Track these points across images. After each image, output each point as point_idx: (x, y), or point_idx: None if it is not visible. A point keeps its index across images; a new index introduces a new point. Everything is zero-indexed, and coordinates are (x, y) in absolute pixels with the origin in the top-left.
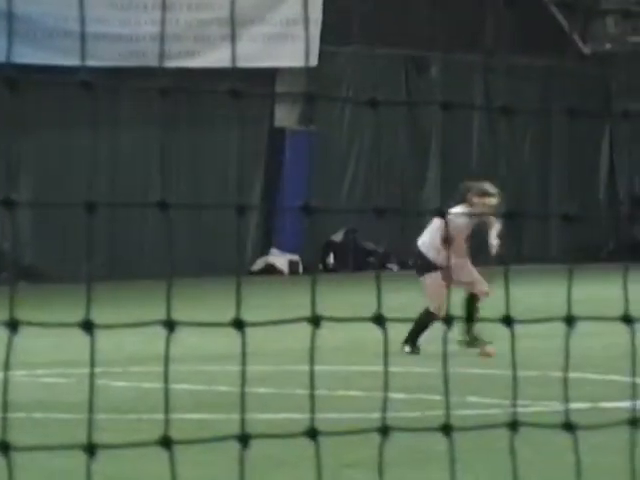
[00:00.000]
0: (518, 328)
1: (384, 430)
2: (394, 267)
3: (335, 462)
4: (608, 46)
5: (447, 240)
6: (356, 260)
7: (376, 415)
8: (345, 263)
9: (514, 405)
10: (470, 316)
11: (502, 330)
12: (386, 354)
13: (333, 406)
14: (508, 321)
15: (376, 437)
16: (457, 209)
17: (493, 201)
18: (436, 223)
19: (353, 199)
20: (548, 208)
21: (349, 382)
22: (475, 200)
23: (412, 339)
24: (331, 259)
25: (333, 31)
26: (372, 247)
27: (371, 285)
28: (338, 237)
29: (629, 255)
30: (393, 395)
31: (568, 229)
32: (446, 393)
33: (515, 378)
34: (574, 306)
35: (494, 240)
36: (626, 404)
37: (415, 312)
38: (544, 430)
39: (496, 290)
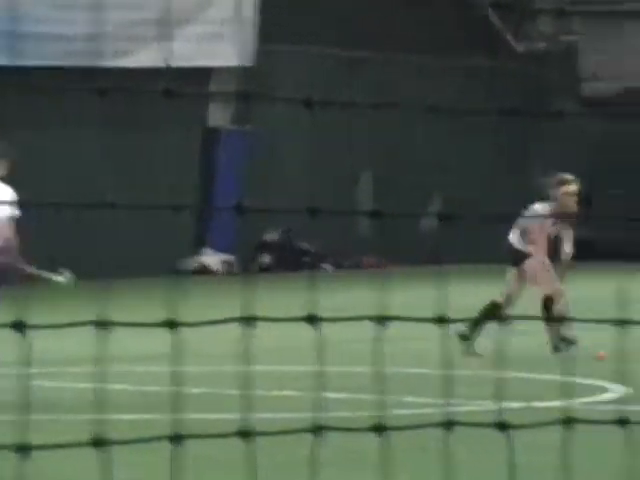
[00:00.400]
0: (452, 328)
1: (318, 430)
2: (329, 267)
3: (269, 462)
4: (541, 45)
5: (525, 235)
6: (291, 260)
7: (310, 415)
8: (280, 263)
9: (448, 404)
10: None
11: (435, 330)
12: (320, 354)
13: (267, 406)
14: (441, 321)
15: (310, 437)
16: (537, 206)
17: (573, 187)
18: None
19: (289, 199)
20: (482, 208)
21: (283, 382)
22: (557, 192)
23: (559, 336)
24: (266, 259)
25: (269, 30)
26: (307, 247)
27: (306, 285)
28: (273, 237)
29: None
30: (327, 395)
31: (502, 229)
32: (380, 392)
33: (449, 378)
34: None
35: (568, 248)
36: (559, 403)
37: (351, 312)
38: (478, 429)
39: (429, 290)
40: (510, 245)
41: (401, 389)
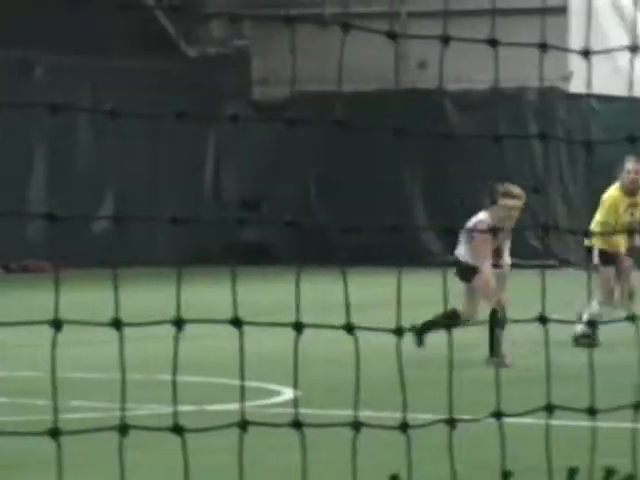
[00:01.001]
0: (127, 331)
1: None
2: None
3: None
4: (213, 50)
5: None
6: None
7: None
8: None
9: (122, 408)
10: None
11: (92, 334)
12: None
13: None
14: (117, 325)
15: None
16: (482, 215)
17: (513, 202)
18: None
19: None
20: (156, 210)
21: None
22: (500, 201)
23: (494, 347)
24: None
25: None
26: None
27: None
28: None
29: (238, 258)
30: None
31: (176, 232)
32: (54, 397)
33: (123, 381)
34: (184, 309)
35: (508, 259)
36: (232, 406)
37: (21, 316)
38: (152, 433)
39: (104, 293)
40: (458, 261)
41: (70, 393)
